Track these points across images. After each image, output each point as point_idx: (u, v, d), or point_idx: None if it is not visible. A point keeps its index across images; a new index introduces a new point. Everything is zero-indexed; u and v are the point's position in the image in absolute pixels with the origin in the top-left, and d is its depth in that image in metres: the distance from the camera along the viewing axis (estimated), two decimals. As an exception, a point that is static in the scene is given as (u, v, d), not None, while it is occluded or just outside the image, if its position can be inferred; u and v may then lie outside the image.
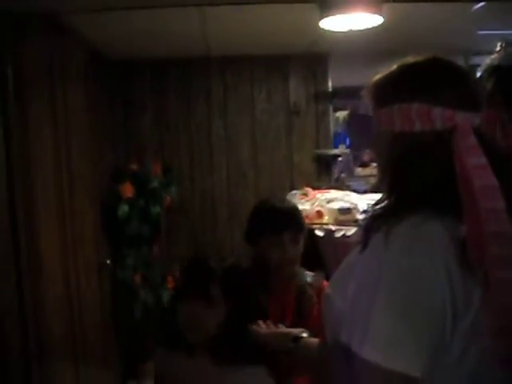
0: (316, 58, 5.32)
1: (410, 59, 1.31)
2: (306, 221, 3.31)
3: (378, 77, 1.34)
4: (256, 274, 2.37)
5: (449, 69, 1.29)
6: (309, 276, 2.48)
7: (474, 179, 1.13)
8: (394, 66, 1.32)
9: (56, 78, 3.41)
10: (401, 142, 1.24)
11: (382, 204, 1.28)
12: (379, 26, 3.77)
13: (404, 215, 1.16)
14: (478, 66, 5.88)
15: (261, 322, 1.90)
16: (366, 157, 5.79)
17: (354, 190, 4.52)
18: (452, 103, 1.21)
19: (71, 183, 3.55)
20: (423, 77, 1.27)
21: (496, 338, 1.10)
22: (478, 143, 1.17)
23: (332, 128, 5.66)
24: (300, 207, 2.77)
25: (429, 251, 1.12)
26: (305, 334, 1.73)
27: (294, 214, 2.49)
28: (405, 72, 1.30)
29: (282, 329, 1.88)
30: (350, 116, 6.77)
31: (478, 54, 5.64)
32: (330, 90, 5.53)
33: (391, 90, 1.28)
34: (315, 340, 1.71)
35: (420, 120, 1.21)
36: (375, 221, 1.23)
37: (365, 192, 4.40)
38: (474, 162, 1.15)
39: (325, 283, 2.34)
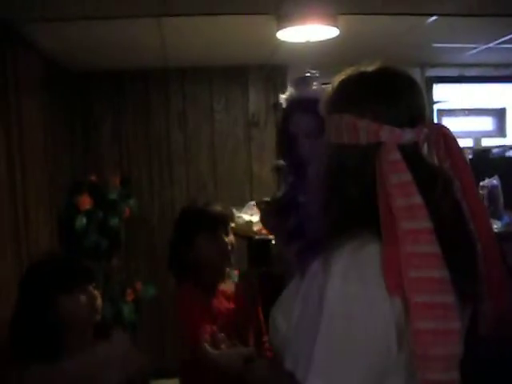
0: (275, 68, 5.33)
1: (359, 68, 1.29)
2: (262, 232, 3.32)
3: (328, 88, 1.32)
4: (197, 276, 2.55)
5: (388, 81, 1.24)
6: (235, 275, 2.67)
7: (396, 198, 1.09)
8: (337, 77, 1.31)
9: (10, 90, 3.35)
10: (331, 153, 1.22)
11: (314, 226, 1.25)
12: (336, 37, 3.82)
13: (340, 241, 1.12)
14: (434, 77, 6.00)
15: (215, 336, 1.85)
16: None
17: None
18: (380, 117, 1.17)
19: (26, 196, 3.48)
20: (359, 88, 1.24)
21: (421, 368, 1.05)
22: (404, 160, 1.12)
23: (292, 139, 5.67)
24: (257, 218, 2.83)
25: (368, 277, 1.08)
26: (257, 356, 1.67)
27: (225, 211, 2.72)
28: (345, 83, 1.28)
29: (235, 349, 1.81)
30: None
31: (434, 65, 5.75)
32: (290, 100, 5.56)
33: (330, 101, 1.28)
34: (266, 361, 1.67)
35: (347, 132, 1.18)
36: (309, 247, 1.22)
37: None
38: (396, 180, 1.10)
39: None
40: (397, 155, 1.13)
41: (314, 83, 2.23)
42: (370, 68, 1.27)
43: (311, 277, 1.16)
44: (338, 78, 1.30)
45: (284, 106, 2.30)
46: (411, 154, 1.15)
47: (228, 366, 1.74)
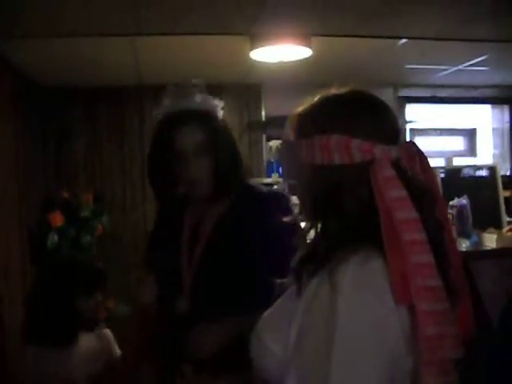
0: (249, 87, 5.37)
1: (332, 91, 1.30)
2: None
3: (300, 108, 1.31)
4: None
5: (368, 101, 1.28)
6: None
7: (395, 212, 1.12)
8: (315, 98, 1.30)
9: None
10: (320, 175, 1.22)
11: (307, 242, 1.26)
12: (309, 57, 3.86)
13: (341, 257, 1.13)
14: (407, 97, 6.06)
15: None
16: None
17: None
18: (370, 135, 1.19)
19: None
20: (343, 108, 1.25)
21: (427, 376, 1.08)
22: (397, 176, 1.16)
23: (265, 157, 5.70)
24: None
25: (376, 289, 1.10)
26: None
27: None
28: (325, 104, 1.28)
29: None
30: (283, 145, 6.82)
31: (407, 86, 5.83)
32: (264, 119, 5.59)
33: (312, 122, 1.26)
34: None
35: (339, 152, 1.19)
36: (305, 263, 1.21)
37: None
38: (394, 195, 1.14)
39: None
40: (391, 171, 1.16)
41: (198, 93, 1.91)
42: (343, 91, 1.29)
43: (313, 293, 1.15)
44: (312, 100, 1.30)
45: (160, 118, 1.89)
46: (399, 171, 1.18)
47: None
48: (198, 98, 1.88)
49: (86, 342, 2.59)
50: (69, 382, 2.50)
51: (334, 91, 1.30)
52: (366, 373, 1.07)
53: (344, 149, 1.19)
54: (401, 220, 1.12)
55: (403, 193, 1.15)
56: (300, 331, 1.15)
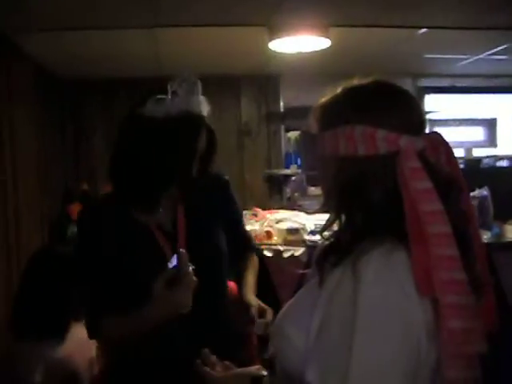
0: (267, 78, 5.36)
1: (355, 82, 1.28)
2: (256, 241, 3.32)
3: (323, 99, 1.29)
4: None
5: (393, 92, 1.26)
6: None
7: (420, 204, 1.11)
8: (339, 89, 1.28)
9: (3, 100, 3.36)
10: (345, 167, 1.21)
11: (330, 233, 1.24)
12: (327, 48, 3.84)
13: (364, 248, 1.12)
14: (426, 87, 6.02)
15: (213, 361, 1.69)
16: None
17: (305, 211, 4.54)
18: (396, 126, 1.18)
19: (17, 205, 3.48)
20: (368, 99, 1.23)
21: (451, 369, 1.08)
22: (423, 167, 1.14)
23: (284, 148, 5.70)
24: (250, 228, 2.76)
25: (399, 281, 1.09)
26: (264, 373, 1.56)
27: None
28: (349, 94, 1.26)
29: (240, 370, 1.67)
30: (302, 136, 6.82)
31: (426, 76, 5.79)
32: (282, 110, 5.59)
33: (336, 113, 1.24)
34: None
35: (364, 143, 1.18)
36: (328, 254, 1.20)
37: (315, 212, 4.42)
38: (419, 187, 1.13)
39: None
40: (417, 163, 1.15)
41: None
42: (367, 81, 1.27)
43: (336, 283, 1.16)
44: (335, 91, 1.28)
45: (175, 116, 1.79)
46: (424, 162, 1.17)
47: None
48: (202, 99, 1.86)
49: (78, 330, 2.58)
50: (68, 370, 2.45)
51: (357, 82, 1.28)
52: (389, 364, 1.06)
53: (369, 140, 1.18)
54: (426, 212, 1.11)
55: (429, 184, 1.13)
56: (322, 321, 1.15)
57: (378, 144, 1.18)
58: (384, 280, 1.09)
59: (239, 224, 2.12)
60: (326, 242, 1.25)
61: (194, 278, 1.68)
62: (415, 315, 1.08)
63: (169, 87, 1.81)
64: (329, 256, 1.20)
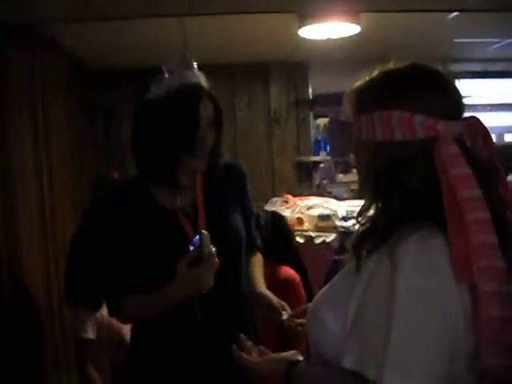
0: (296, 65, 5.35)
1: (391, 65, 1.25)
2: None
3: (358, 83, 1.27)
4: None
5: (431, 76, 1.24)
6: None
7: (459, 190, 1.10)
8: (375, 72, 1.26)
9: (36, 90, 3.41)
10: (382, 152, 1.19)
11: (366, 219, 1.24)
12: (357, 34, 3.82)
13: (401, 234, 1.12)
14: (457, 72, 5.94)
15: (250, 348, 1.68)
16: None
17: (335, 197, 4.54)
18: (434, 111, 1.16)
19: (52, 193, 3.54)
20: (405, 83, 1.21)
21: (490, 356, 1.08)
22: (461, 153, 1.13)
23: (313, 135, 5.69)
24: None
25: (437, 267, 1.09)
26: (300, 358, 1.54)
27: None
28: (386, 78, 1.24)
29: (276, 355, 1.63)
30: (331, 123, 6.80)
31: (457, 60, 5.71)
32: (311, 97, 5.57)
33: (372, 97, 1.22)
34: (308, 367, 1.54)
35: (401, 128, 1.16)
36: (364, 240, 1.20)
37: (345, 199, 4.42)
38: (458, 173, 1.11)
39: None
40: (456, 148, 1.14)
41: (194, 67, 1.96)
42: (403, 65, 1.25)
43: (373, 270, 1.14)
44: (371, 75, 1.26)
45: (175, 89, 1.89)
46: (463, 147, 1.16)
47: (271, 373, 1.57)
48: (199, 73, 1.95)
49: None
50: (114, 330, 2.71)
51: (393, 65, 1.26)
52: (427, 350, 1.06)
53: (406, 125, 1.17)
54: (464, 198, 1.10)
55: (467, 170, 1.12)
56: (359, 307, 1.14)
57: (416, 129, 1.16)
58: (422, 268, 1.08)
59: (248, 221, 2.07)
60: (361, 228, 1.25)
61: (217, 260, 1.72)
62: (453, 302, 1.08)
63: (164, 68, 1.96)
64: (365, 242, 1.20)
